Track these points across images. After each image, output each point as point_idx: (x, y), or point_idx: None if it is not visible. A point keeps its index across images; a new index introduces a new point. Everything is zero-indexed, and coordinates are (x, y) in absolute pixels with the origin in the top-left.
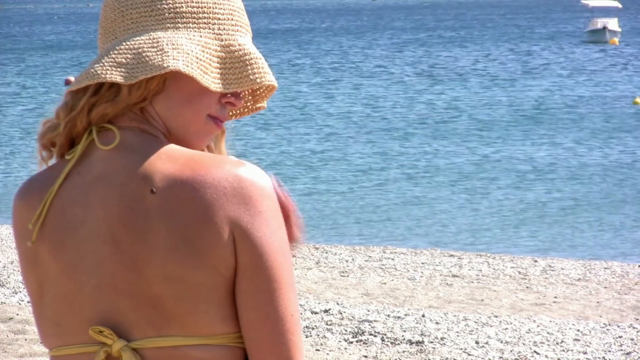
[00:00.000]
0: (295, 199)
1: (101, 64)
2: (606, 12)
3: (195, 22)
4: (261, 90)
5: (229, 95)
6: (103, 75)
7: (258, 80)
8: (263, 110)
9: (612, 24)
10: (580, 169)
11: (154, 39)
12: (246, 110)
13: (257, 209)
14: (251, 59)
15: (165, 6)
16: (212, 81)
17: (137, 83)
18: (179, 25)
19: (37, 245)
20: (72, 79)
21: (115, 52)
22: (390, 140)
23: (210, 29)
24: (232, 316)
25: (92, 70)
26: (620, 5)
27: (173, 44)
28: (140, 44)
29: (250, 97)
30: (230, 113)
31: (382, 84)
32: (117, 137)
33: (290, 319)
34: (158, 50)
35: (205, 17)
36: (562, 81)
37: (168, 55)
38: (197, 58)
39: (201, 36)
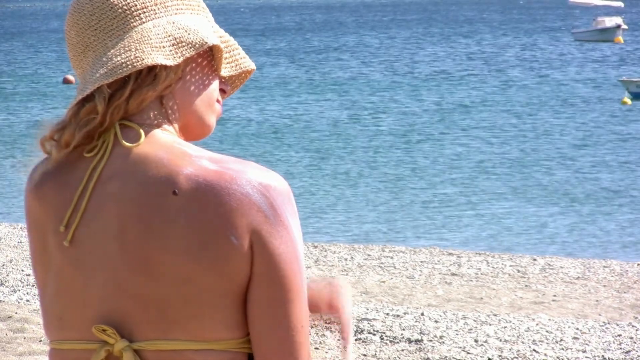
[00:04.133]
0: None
1: (139, 51)
2: (596, 10)
3: (193, 9)
4: (237, 77)
5: (221, 81)
6: (149, 60)
7: (247, 64)
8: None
9: (619, 22)
10: (579, 168)
11: (174, 22)
12: None
13: (279, 218)
14: (234, 45)
15: None
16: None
17: (172, 66)
18: (184, 10)
19: (46, 235)
20: (70, 77)
21: (146, 38)
22: (390, 138)
23: (205, 15)
24: (238, 322)
25: (132, 57)
26: (622, 4)
27: (195, 24)
28: (164, 28)
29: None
30: None
31: (368, 87)
32: (142, 135)
33: (301, 330)
34: (186, 30)
35: (198, 6)
36: (581, 80)
37: (200, 33)
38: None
39: (202, 21)
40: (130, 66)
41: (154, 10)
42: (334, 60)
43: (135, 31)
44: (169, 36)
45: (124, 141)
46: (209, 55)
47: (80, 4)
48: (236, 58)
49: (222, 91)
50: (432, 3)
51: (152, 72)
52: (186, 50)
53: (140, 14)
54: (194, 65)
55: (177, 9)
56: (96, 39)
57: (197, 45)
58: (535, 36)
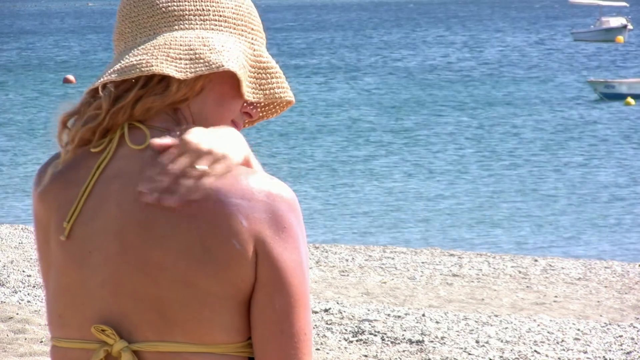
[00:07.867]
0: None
1: (153, 57)
2: (599, 9)
3: (235, 28)
4: (275, 105)
5: (248, 104)
6: (158, 68)
7: (281, 94)
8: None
9: (625, 22)
10: (578, 169)
11: (203, 37)
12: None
13: (282, 224)
14: (276, 72)
15: (210, 8)
16: (245, 88)
17: (187, 80)
18: (222, 28)
19: (49, 232)
20: (70, 77)
21: (167, 46)
22: (389, 137)
23: (246, 37)
24: (238, 327)
25: (144, 62)
26: (627, 4)
27: (223, 45)
28: (190, 41)
29: (261, 109)
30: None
31: (372, 79)
32: (148, 137)
33: (304, 338)
34: (211, 49)
35: (243, 25)
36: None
37: (223, 56)
38: (242, 63)
39: (240, 42)
40: (138, 70)
41: (190, 20)
42: (325, 55)
43: (163, 36)
44: (190, 50)
45: (129, 142)
46: (233, 77)
47: None
48: (271, 87)
49: (248, 114)
50: (428, 2)
51: (163, 82)
52: (200, 68)
53: (175, 20)
54: (214, 82)
55: (215, 26)
56: (130, 31)
57: (213, 65)
58: (533, 36)
